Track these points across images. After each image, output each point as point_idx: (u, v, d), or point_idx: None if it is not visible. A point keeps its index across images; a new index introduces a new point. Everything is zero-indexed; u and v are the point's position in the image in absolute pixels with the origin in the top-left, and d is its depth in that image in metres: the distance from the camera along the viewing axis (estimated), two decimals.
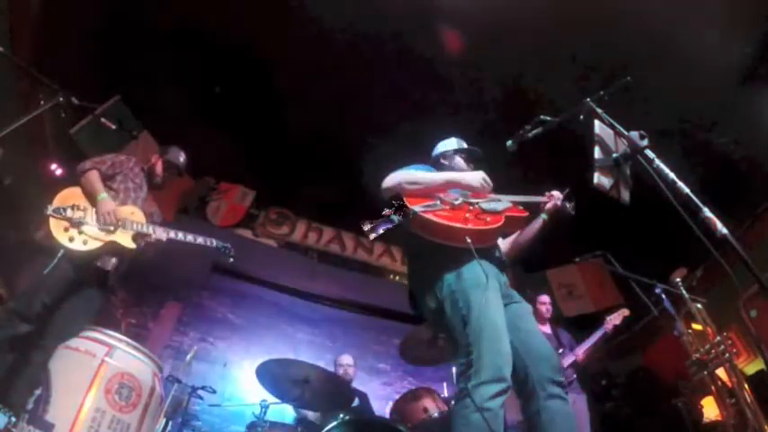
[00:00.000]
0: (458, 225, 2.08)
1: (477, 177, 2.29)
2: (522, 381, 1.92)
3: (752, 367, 4.64)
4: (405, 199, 2.16)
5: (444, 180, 2.27)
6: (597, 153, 2.11)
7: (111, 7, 4.44)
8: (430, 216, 2.09)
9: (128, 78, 4.84)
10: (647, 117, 4.64)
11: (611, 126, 1.87)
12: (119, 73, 4.81)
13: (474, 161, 2.60)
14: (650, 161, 1.60)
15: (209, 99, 5.16)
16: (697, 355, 2.93)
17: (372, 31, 4.62)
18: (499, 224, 2.12)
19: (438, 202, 2.17)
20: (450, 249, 2.03)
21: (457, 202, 2.19)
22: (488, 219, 2.12)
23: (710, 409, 4.10)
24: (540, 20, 4.25)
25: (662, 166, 1.55)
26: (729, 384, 2.85)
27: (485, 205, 2.20)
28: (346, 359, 4.46)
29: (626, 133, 1.79)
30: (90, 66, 4.61)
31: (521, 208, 2.32)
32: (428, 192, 2.21)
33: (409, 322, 5.80)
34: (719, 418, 3.19)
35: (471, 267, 1.99)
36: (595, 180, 2.12)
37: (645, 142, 1.72)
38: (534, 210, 2.45)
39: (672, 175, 1.49)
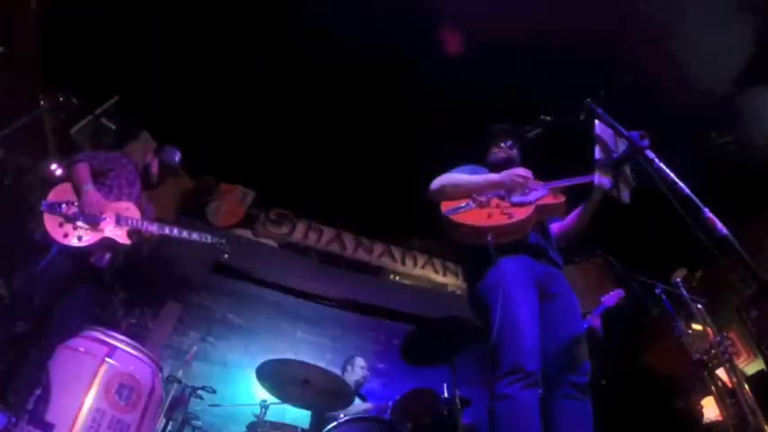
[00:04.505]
0: (477, 224, 2.09)
1: (508, 175, 2.29)
2: (543, 377, 1.93)
3: (752, 367, 4.65)
4: (440, 203, 2.22)
5: (485, 182, 2.30)
6: (597, 153, 2.11)
7: (111, 7, 4.43)
8: (452, 217, 2.14)
9: (128, 78, 4.83)
10: (647, 117, 4.63)
11: (612, 126, 1.87)
12: (119, 73, 4.80)
13: (511, 137, 2.53)
14: (650, 161, 1.60)
15: (209, 99, 5.15)
16: (697, 355, 2.93)
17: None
18: (525, 215, 2.11)
19: (470, 202, 2.19)
20: (480, 252, 2.05)
21: (485, 199, 2.20)
22: (513, 212, 2.12)
23: (710, 409, 4.10)
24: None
25: (662, 166, 1.55)
26: (729, 384, 2.84)
27: (515, 199, 2.20)
28: (364, 363, 4.49)
29: (626, 133, 1.79)
30: (90, 66, 4.60)
31: (558, 194, 2.25)
32: (469, 193, 2.24)
33: (409, 322, 5.80)
34: (719, 418, 3.19)
35: (494, 267, 2.02)
36: (596, 180, 2.13)
37: (645, 142, 1.72)
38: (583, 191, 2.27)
39: (672, 176, 1.49)
